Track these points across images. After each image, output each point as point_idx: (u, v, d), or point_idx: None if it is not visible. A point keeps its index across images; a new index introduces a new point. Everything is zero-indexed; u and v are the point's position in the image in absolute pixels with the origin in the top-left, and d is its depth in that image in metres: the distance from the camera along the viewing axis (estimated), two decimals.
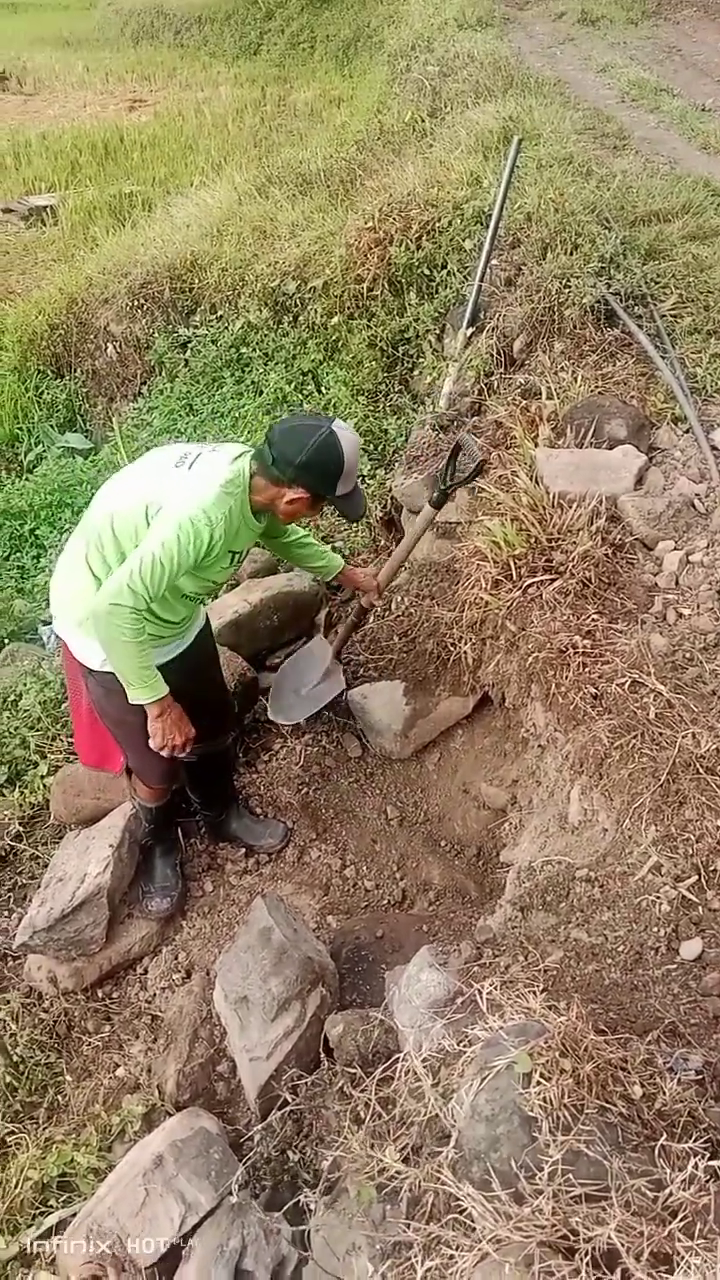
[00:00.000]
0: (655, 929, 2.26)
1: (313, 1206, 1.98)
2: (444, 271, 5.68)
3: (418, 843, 3.87)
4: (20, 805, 3.81)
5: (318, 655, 4.12)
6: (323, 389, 6.22)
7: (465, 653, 3.78)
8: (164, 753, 2.89)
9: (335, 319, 6.24)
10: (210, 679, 3.40)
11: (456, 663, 3.90)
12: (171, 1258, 2.33)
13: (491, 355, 4.79)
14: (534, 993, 1.91)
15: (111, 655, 2.69)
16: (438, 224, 5.81)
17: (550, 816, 3.14)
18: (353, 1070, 2.22)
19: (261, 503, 2.77)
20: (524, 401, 4.28)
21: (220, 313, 7.16)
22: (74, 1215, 2.59)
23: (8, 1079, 3.08)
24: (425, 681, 4.07)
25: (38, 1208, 2.72)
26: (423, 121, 8.34)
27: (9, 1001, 3.29)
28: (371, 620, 4.19)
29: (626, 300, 4.65)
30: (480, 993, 1.93)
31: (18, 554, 6.08)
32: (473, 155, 6.52)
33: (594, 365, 4.35)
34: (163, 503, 2.63)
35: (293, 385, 6.35)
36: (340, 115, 12.06)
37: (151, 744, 2.88)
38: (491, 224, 4.99)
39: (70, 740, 4.03)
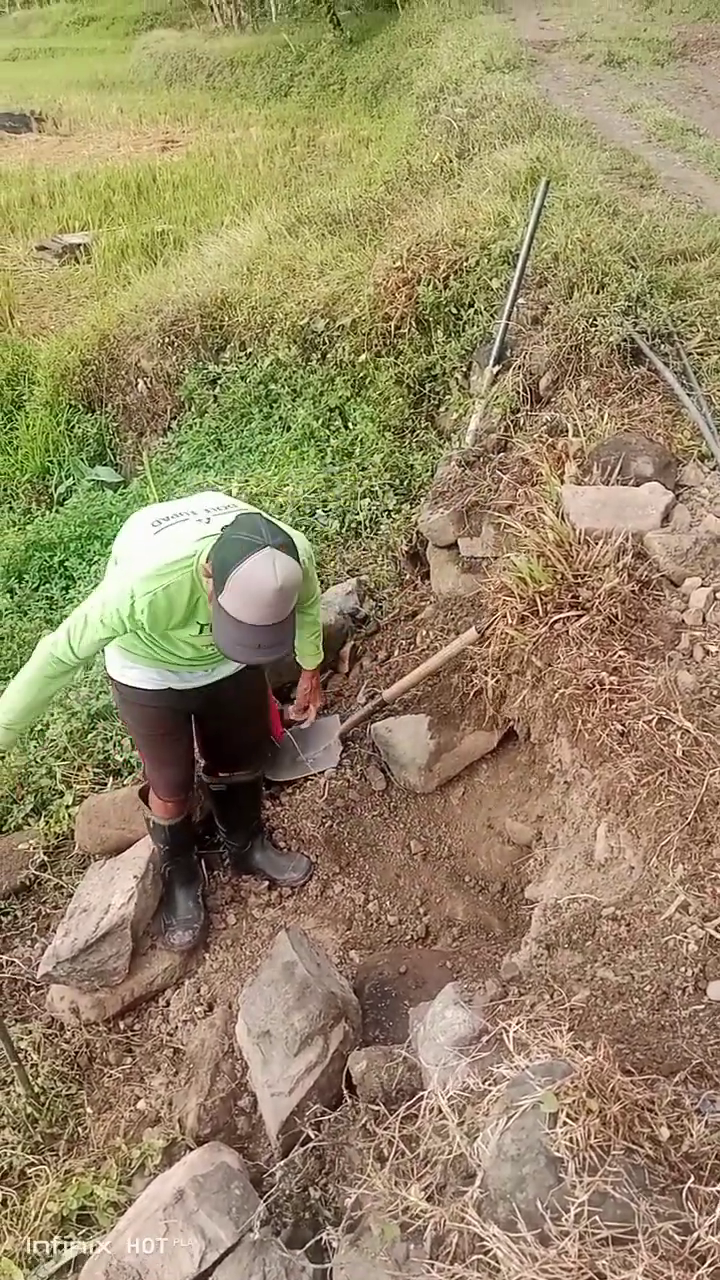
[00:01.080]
0: (683, 969, 2.24)
1: (335, 1244, 1.96)
2: (471, 310, 5.74)
3: (441, 878, 3.86)
4: (45, 835, 3.84)
5: (327, 730, 4.22)
6: (350, 425, 6.29)
7: (490, 687, 3.78)
8: None
9: (363, 356, 6.31)
10: (244, 711, 3.38)
11: (481, 697, 3.91)
12: None
13: (518, 393, 4.83)
14: (560, 1032, 1.90)
15: (15, 680, 2.78)
16: (465, 263, 5.88)
17: (576, 853, 3.12)
18: (376, 1107, 2.21)
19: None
20: (550, 439, 4.31)
21: (249, 350, 7.26)
22: (93, 1249, 2.58)
23: (28, 1110, 3.07)
24: (450, 716, 4.07)
25: (57, 1241, 2.71)
26: (450, 162, 8.46)
27: (31, 1031, 3.29)
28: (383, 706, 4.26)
29: (653, 338, 4.68)
30: (506, 1031, 1.92)
31: (47, 585, 6.15)
32: (500, 195, 6.60)
33: (620, 403, 4.38)
34: (126, 557, 2.73)
35: (320, 421, 6.42)
36: (369, 156, 12.27)
37: None
38: (519, 263, 5.04)
39: (96, 771, 4.07)
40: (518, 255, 5.17)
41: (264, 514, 2.57)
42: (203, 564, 2.52)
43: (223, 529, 2.48)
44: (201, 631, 2.79)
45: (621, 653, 3.19)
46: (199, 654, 2.92)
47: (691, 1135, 1.72)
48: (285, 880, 3.69)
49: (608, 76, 11.47)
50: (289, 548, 2.42)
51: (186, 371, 7.54)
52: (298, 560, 2.45)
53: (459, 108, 9.97)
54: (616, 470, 3.88)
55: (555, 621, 3.39)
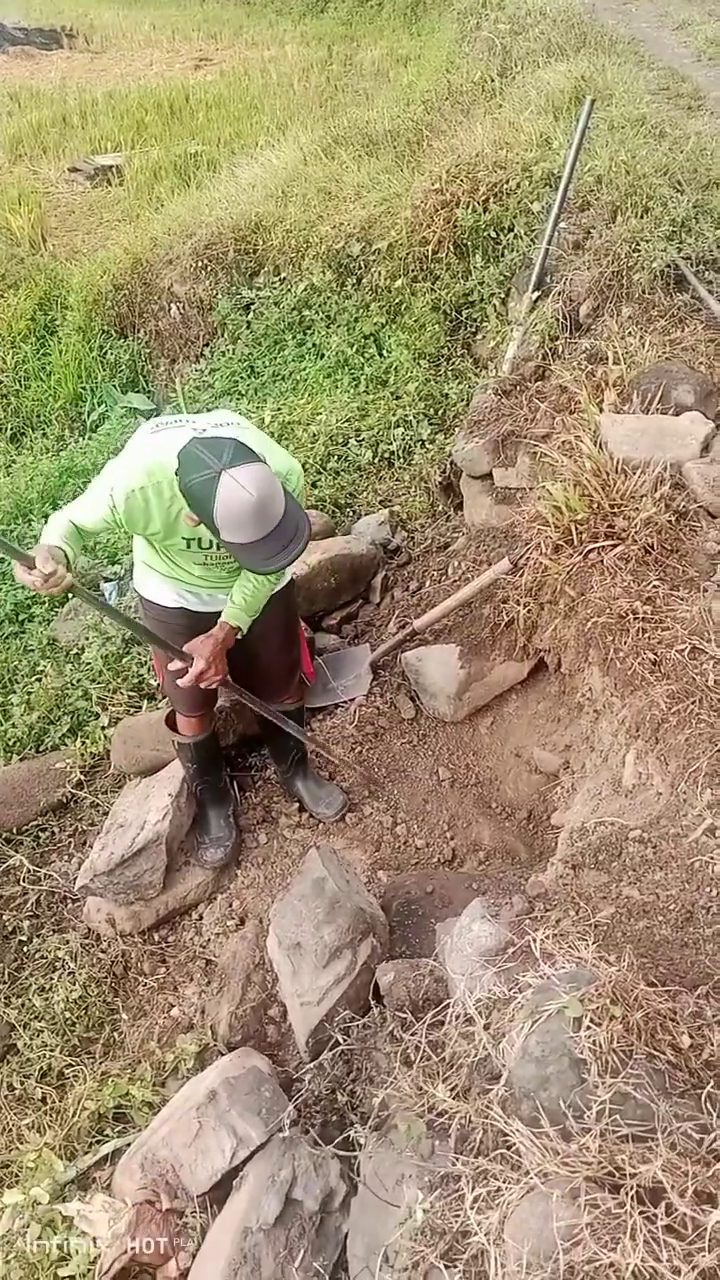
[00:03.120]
0: (707, 889, 2.28)
1: (362, 1141, 2.04)
2: (510, 234, 5.62)
3: (468, 804, 3.91)
4: (82, 755, 3.93)
5: (357, 659, 4.27)
6: (384, 352, 6.21)
7: (521, 617, 3.79)
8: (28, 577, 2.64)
9: (399, 282, 6.21)
10: (271, 640, 3.34)
11: (512, 627, 3.91)
12: (222, 1187, 2.42)
13: (557, 320, 4.75)
14: (586, 944, 1.95)
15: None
16: (506, 186, 5.75)
17: (604, 780, 3.15)
18: (403, 1015, 2.28)
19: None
20: (590, 366, 4.25)
21: (284, 275, 7.16)
22: (129, 1145, 2.70)
23: (66, 1015, 3.19)
24: (480, 646, 4.09)
25: (94, 1136, 2.84)
26: (492, 81, 8.22)
27: (69, 941, 3.41)
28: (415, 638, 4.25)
29: (697, 265, 4.57)
30: (534, 941, 1.97)
31: None
32: (543, 116, 6.42)
33: (662, 331, 4.30)
34: (122, 454, 2.70)
35: (354, 348, 6.35)
36: (407, 75, 11.89)
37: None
38: (561, 186, 4.92)
39: (130, 694, 4.14)
40: (560, 178, 5.04)
41: (219, 437, 2.45)
42: (176, 483, 2.50)
43: (185, 444, 2.45)
44: (189, 546, 2.78)
45: (656, 582, 3.18)
46: (207, 573, 2.93)
47: (712, 1045, 1.77)
48: (318, 814, 3.75)
49: None
50: (240, 453, 2.38)
51: (220, 297, 7.47)
52: (256, 458, 2.42)
53: (501, 24, 9.64)
54: (656, 399, 3.83)
55: (590, 551, 3.38)
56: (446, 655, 4.07)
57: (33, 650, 4.57)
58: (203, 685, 2.99)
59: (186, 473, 2.40)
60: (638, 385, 3.93)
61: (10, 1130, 2.91)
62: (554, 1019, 1.73)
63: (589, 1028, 1.69)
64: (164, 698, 4.05)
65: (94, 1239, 2.46)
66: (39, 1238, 2.50)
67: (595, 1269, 1.39)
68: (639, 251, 4.58)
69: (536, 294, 4.95)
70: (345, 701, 4.18)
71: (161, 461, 2.54)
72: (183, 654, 2.93)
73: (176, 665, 2.95)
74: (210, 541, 2.76)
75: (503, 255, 5.64)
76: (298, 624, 3.66)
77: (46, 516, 5.87)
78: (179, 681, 2.99)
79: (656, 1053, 1.70)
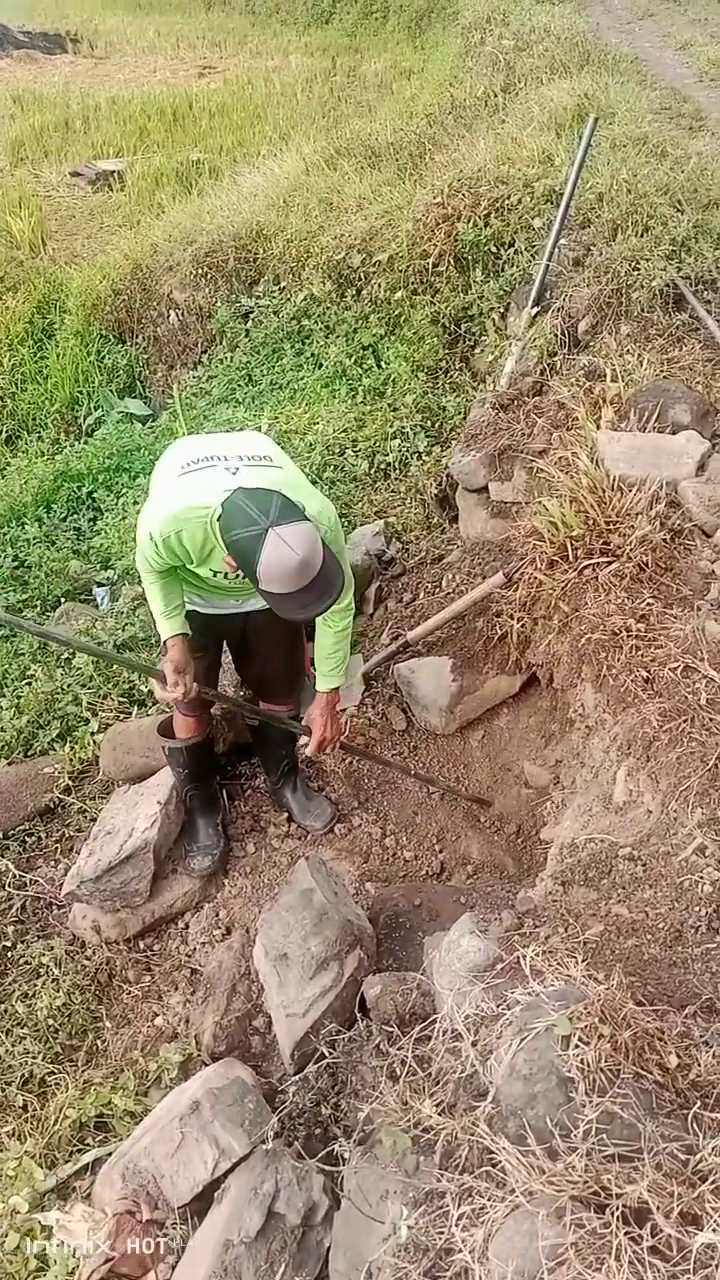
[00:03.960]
0: (697, 909, 2.28)
1: (346, 1155, 2.03)
2: (511, 249, 5.65)
3: (458, 817, 3.91)
4: (70, 760, 3.91)
5: (349, 669, 4.23)
6: (382, 364, 6.23)
7: (515, 632, 3.80)
8: (165, 694, 2.95)
9: (399, 294, 6.23)
10: (275, 645, 3.39)
11: (505, 641, 3.92)
12: (203, 1199, 2.40)
13: (556, 335, 4.77)
14: (575, 961, 1.94)
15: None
16: (507, 201, 5.78)
17: (594, 796, 3.15)
18: (390, 1029, 2.27)
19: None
20: (588, 383, 4.27)
21: (283, 284, 7.18)
22: (110, 1154, 2.68)
23: (50, 1022, 3.17)
24: (473, 659, 4.09)
25: (75, 1145, 2.82)
26: (495, 96, 8.27)
27: (53, 948, 3.38)
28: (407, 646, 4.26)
29: (696, 285, 4.60)
30: (524, 957, 1.96)
31: (75, 516, 6.17)
32: (545, 132, 6.46)
33: (660, 349, 4.33)
34: (154, 494, 2.81)
35: (353, 359, 6.36)
36: (411, 87, 11.98)
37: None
38: (562, 203, 4.96)
39: (121, 699, 4.12)
40: (561, 195, 5.08)
41: (265, 489, 2.53)
42: (218, 526, 2.58)
43: (229, 495, 2.51)
44: (216, 575, 2.87)
45: (650, 600, 3.19)
46: (223, 587, 2.98)
47: (699, 1065, 1.76)
48: (307, 826, 3.73)
49: (661, 11, 11.13)
50: (287, 510, 2.45)
51: (219, 304, 7.48)
52: (301, 514, 2.48)
53: (506, 40, 9.71)
54: (654, 417, 3.85)
55: (585, 567, 3.40)
56: (439, 668, 4.08)
57: (23, 654, 4.56)
58: (327, 752, 3.36)
59: (231, 525, 2.47)
60: (635, 403, 3.95)
61: None
62: (542, 1037, 1.73)
63: (577, 1046, 1.68)
64: (155, 704, 4.04)
65: (73, 1249, 2.44)
66: (17, 1247, 2.47)
67: None
68: (639, 270, 4.61)
69: (536, 309, 4.97)
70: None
71: (191, 507, 2.62)
72: (161, 676, 2.99)
73: (164, 694, 2.99)
74: (239, 575, 2.79)
75: (503, 270, 5.67)
76: (301, 633, 3.66)
77: (40, 521, 5.90)
78: (307, 751, 3.34)
79: (644, 1072, 1.70)
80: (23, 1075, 3.05)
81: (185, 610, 3.03)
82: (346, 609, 3.06)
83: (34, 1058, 3.08)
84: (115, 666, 4.23)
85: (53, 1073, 3.07)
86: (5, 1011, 3.21)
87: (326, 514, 2.79)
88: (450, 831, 3.85)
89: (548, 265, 4.96)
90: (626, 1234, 1.43)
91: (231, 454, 2.71)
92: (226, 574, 2.83)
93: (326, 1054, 2.38)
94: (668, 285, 4.54)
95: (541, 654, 3.71)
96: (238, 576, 2.77)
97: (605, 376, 4.23)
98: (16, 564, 5.51)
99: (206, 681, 3.37)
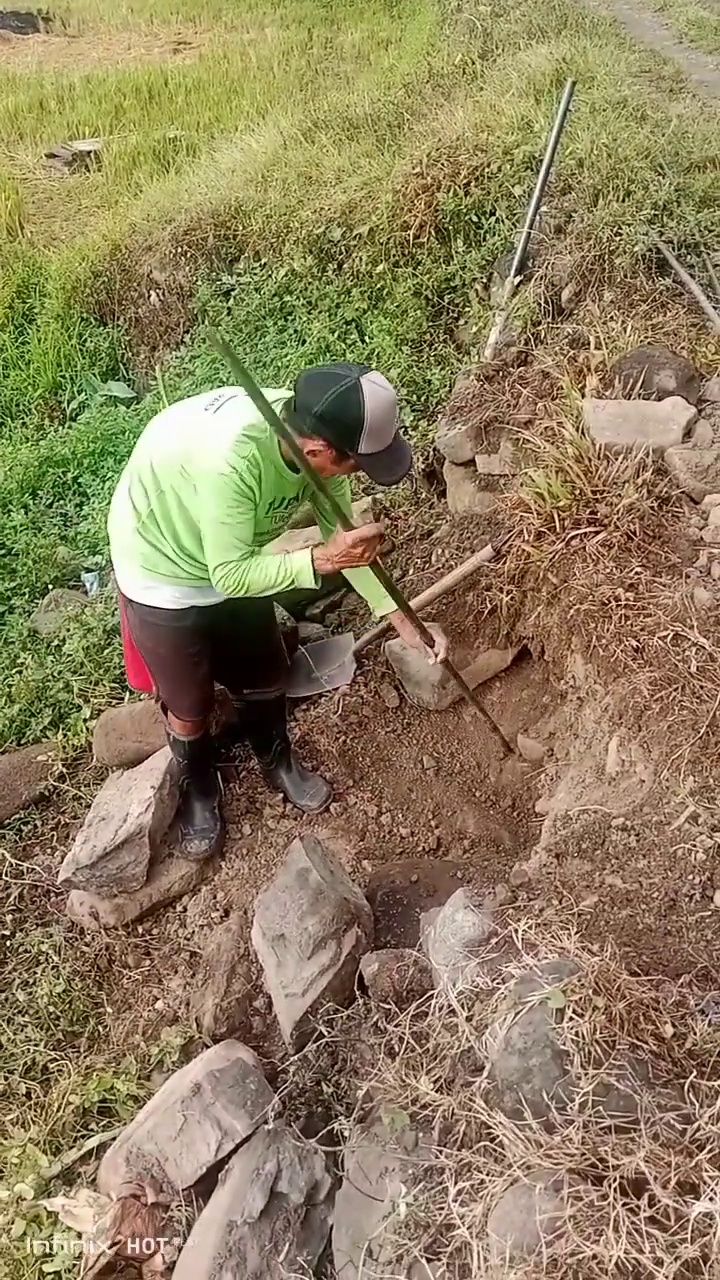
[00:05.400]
0: (690, 877, 2.27)
1: (346, 1133, 2.03)
2: (492, 218, 5.59)
3: (453, 792, 3.91)
4: (64, 747, 3.90)
5: (340, 648, 4.26)
6: (366, 338, 6.17)
7: (505, 605, 3.78)
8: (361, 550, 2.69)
9: (380, 267, 6.17)
10: (260, 629, 3.40)
11: (495, 615, 3.90)
12: (208, 1181, 2.41)
13: (539, 304, 4.72)
14: (569, 934, 1.94)
15: (268, 592, 2.79)
16: (487, 169, 5.71)
17: (587, 768, 3.15)
18: (387, 1006, 2.27)
19: (287, 454, 2.63)
20: (572, 351, 4.22)
21: (264, 260, 7.10)
22: (114, 1139, 2.69)
23: (50, 1009, 3.17)
24: (464, 634, 4.07)
25: (79, 1131, 2.82)
26: (473, 64, 8.17)
27: (52, 935, 3.39)
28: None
29: (679, 249, 4.56)
30: (516, 932, 1.96)
31: (61, 501, 6.13)
32: (524, 98, 6.39)
33: (644, 315, 4.28)
34: (191, 453, 2.65)
35: (336, 334, 6.30)
36: (388, 58, 11.85)
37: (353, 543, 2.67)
38: (542, 170, 4.90)
39: (113, 685, 4.11)
40: (541, 161, 5.01)
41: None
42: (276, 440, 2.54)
43: (299, 377, 2.52)
44: (270, 509, 2.77)
45: (639, 569, 3.17)
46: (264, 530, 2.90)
47: (695, 1034, 1.76)
48: (302, 806, 3.72)
49: None
50: (360, 365, 2.54)
51: (200, 283, 7.40)
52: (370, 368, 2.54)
53: (483, 5, 9.62)
54: (639, 384, 3.81)
55: (573, 538, 3.37)
56: None
57: (13, 642, 4.54)
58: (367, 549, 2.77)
59: (318, 393, 2.45)
60: (620, 370, 3.91)
61: None
62: (536, 1010, 1.72)
63: (571, 1019, 1.68)
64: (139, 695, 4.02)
65: (79, 1234, 2.45)
66: (24, 1234, 2.48)
67: (578, 1261, 1.38)
68: (621, 235, 4.56)
69: (518, 279, 4.92)
70: (329, 691, 4.16)
71: (252, 423, 2.55)
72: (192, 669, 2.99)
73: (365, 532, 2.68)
74: (285, 500, 2.79)
75: (484, 240, 5.60)
76: (273, 609, 3.64)
77: (26, 508, 5.86)
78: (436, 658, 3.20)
79: (639, 1043, 1.70)
80: (25, 1063, 3.05)
81: (179, 609, 2.98)
82: None
83: (36, 1045, 3.08)
84: (106, 652, 4.21)
85: (55, 1059, 3.07)
86: (6, 1000, 3.22)
87: None
88: (446, 807, 3.85)
89: (529, 233, 4.90)
90: (624, 1205, 1.42)
91: (234, 391, 2.67)
92: (280, 502, 2.76)
93: (326, 1033, 2.38)
94: (650, 250, 4.49)
95: (532, 626, 3.69)
96: (284, 505, 2.77)
97: (589, 344, 4.19)
98: (3, 551, 5.47)
99: (207, 685, 3.33)
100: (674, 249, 4.53)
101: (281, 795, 3.78)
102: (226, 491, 2.58)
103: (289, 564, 2.69)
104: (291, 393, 2.60)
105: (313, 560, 2.68)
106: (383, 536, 2.73)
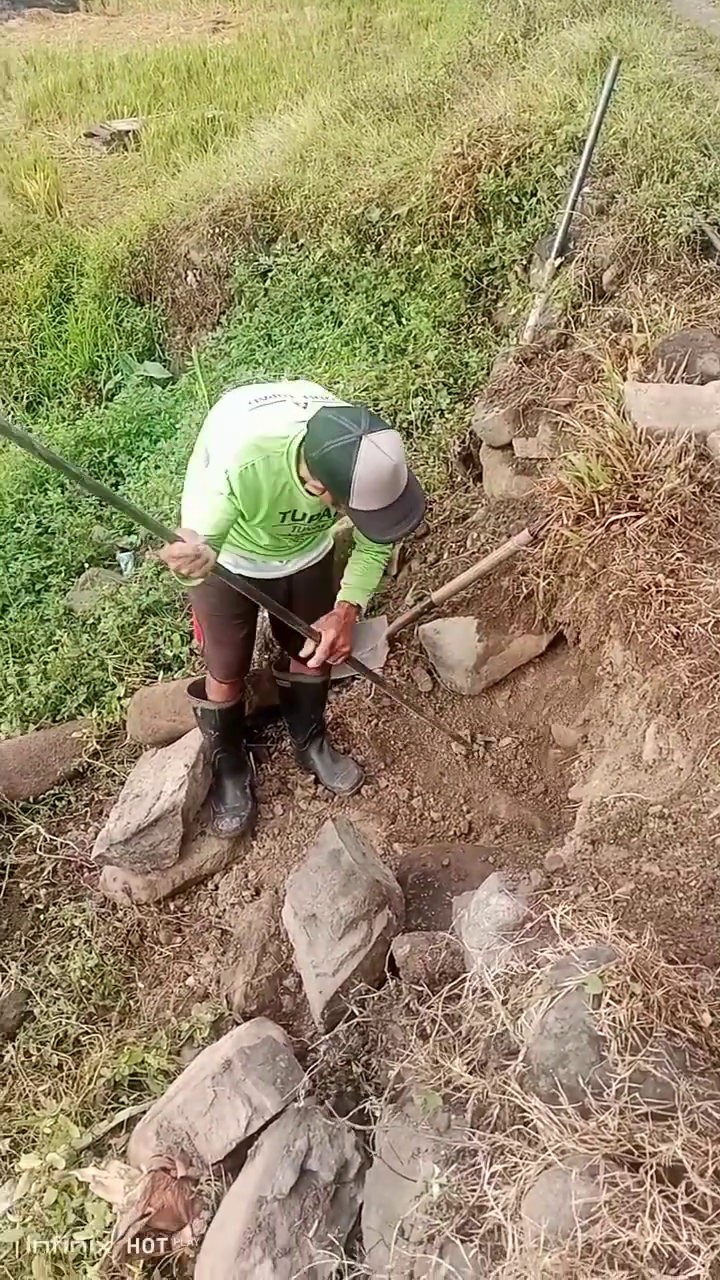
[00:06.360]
0: None
1: (377, 1113, 2.04)
2: (533, 199, 5.52)
3: (485, 778, 3.89)
4: (98, 725, 3.92)
5: (374, 631, 4.25)
6: (403, 320, 6.12)
7: (541, 590, 3.75)
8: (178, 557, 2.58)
9: (419, 248, 6.11)
10: (312, 608, 3.32)
11: (531, 600, 3.87)
12: (237, 1156, 2.43)
13: (580, 286, 4.66)
14: (605, 920, 1.93)
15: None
16: (528, 150, 5.63)
17: (623, 755, 3.12)
18: (419, 988, 2.27)
19: (303, 475, 2.67)
20: (613, 334, 4.17)
21: (301, 241, 7.05)
22: (144, 1112, 2.71)
23: (83, 982, 3.20)
24: (499, 619, 4.05)
25: (110, 1103, 2.85)
26: (515, 43, 8.06)
27: (85, 910, 3.41)
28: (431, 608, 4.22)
29: None
30: (554, 916, 1.95)
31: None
32: (567, 78, 6.29)
33: (688, 298, 4.21)
34: (217, 437, 2.72)
35: (373, 316, 6.25)
36: (428, 37, 11.70)
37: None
38: (585, 150, 4.83)
39: (147, 664, 4.13)
40: (584, 141, 4.94)
41: (352, 405, 2.55)
42: (296, 454, 2.58)
43: (316, 413, 2.52)
44: (283, 520, 2.82)
45: (679, 555, 3.13)
46: (276, 543, 2.96)
47: None
48: (334, 788, 3.74)
49: None
50: (376, 420, 2.47)
51: (237, 263, 7.37)
52: (388, 425, 2.52)
53: None
54: (682, 368, 3.75)
55: (612, 523, 3.33)
56: (464, 628, 4.04)
57: (49, 620, 4.56)
58: (332, 661, 3.10)
59: (321, 439, 2.45)
60: (662, 354, 3.85)
61: (27, 1096, 2.92)
62: (573, 995, 1.71)
63: (609, 1005, 1.67)
64: (180, 668, 4.04)
65: (109, 1204, 2.48)
66: (55, 1202, 2.51)
67: (613, 1247, 1.38)
68: (664, 217, 4.48)
69: (559, 260, 4.86)
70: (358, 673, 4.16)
71: (270, 435, 2.59)
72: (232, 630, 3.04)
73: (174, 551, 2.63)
74: (304, 514, 2.81)
75: (525, 221, 5.54)
76: (335, 586, 3.65)
77: (63, 486, 5.88)
78: (309, 662, 3.11)
79: (677, 1030, 1.68)
80: (57, 1035, 3.08)
81: (231, 573, 2.98)
82: None
83: (68, 1018, 3.11)
84: (141, 631, 4.23)
85: (87, 1032, 3.10)
86: (39, 973, 3.25)
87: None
88: (477, 792, 3.84)
89: (571, 214, 4.84)
90: (660, 1192, 1.42)
91: (296, 393, 2.72)
92: (297, 514, 2.79)
93: (357, 1013, 2.38)
94: (694, 232, 4.41)
95: (568, 612, 3.66)
96: (306, 519, 2.78)
97: (631, 327, 4.12)
98: (41, 530, 5.51)
99: (243, 649, 3.37)
100: (718, 231, 4.46)
101: (313, 777, 3.79)
102: (216, 482, 2.64)
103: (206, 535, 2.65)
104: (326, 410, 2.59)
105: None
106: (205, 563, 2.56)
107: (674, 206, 4.50)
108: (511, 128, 5.80)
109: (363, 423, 2.42)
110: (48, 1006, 3.13)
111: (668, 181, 4.72)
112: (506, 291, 5.55)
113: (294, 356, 6.47)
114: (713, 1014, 1.73)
